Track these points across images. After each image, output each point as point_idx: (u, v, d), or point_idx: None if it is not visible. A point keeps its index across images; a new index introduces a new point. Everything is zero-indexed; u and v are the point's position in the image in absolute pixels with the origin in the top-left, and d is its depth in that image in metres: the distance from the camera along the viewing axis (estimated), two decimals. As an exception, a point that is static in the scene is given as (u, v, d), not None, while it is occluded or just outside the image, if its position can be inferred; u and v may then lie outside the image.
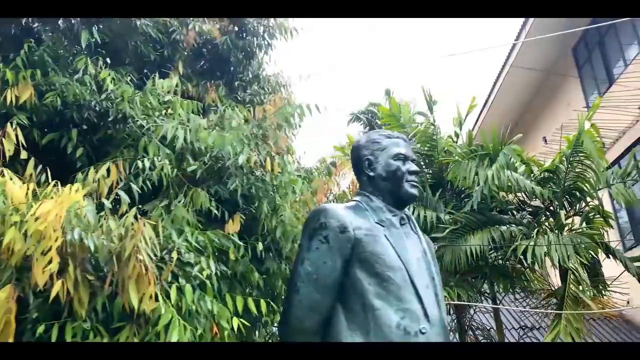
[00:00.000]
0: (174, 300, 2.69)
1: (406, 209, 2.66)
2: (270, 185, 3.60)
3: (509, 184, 7.42)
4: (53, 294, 2.28)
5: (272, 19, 4.82)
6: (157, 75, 3.89)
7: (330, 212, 2.36)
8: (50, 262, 2.22)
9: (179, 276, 2.79)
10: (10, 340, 2.12)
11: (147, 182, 3.07)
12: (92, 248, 2.38)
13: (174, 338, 2.57)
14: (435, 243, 8.54)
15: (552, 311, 9.34)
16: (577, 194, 7.65)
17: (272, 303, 3.40)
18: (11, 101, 2.89)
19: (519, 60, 10.95)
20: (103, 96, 3.23)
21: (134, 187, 2.78)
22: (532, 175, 8.36)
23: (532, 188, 7.63)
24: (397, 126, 9.24)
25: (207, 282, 2.85)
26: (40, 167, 2.78)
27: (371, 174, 2.66)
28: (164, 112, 3.40)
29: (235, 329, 3.05)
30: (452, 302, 8.49)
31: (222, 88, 4.45)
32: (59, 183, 2.48)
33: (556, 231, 7.57)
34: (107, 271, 2.47)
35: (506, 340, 8.92)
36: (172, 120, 3.30)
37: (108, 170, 2.91)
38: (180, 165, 3.29)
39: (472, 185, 8.38)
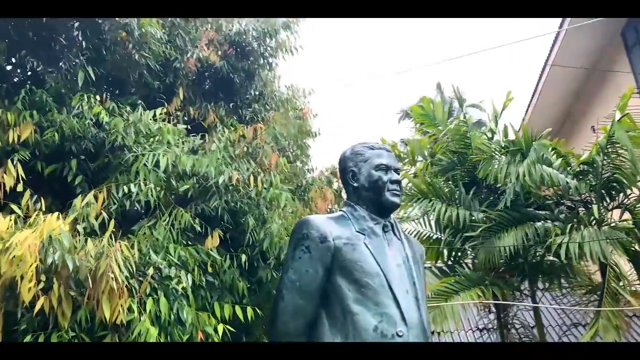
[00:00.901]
0: (151, 311, 3.02)
1: (391, 217, 2.87)
2: (257, 200, 3.88)
3: (543, 179, 7.35)
4: (36, 309, 2.66)
5: (273, 40, 5.08)
6: (156, 101, 4.28)
7: (312, 223, 2.62)
8: (31, 281, 2.60)
9: (158, 289, 3.12)
10: (-3, 349, 2.50)
11: (136, 204, 3.42)
12: (71, 268, 2.74)
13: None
14: (468, 242, 8.57)
15: (590, 308, 9.10)
16: (617, 186, 7.45)
17: (257, 310, 3.68)
18: (13, 139, 3.32)
19: (565, 48, 10.64)
20: (96, 130, 3.62)
21: (99, 216, 3.12)
22: (568, 168, 8.22)
23: (567, 182, 7.52)
24: (431, 125, 9.32)
25: (188, 293, 3.16)
26: (35, 197, 3.18)
27: (355, 184, 2.90)
28: (156, 138, 3.75)
29: (221, 335, 3.35)
30: (485, 301, 8.47)
31: (222, 108, 4.76)
32: (40, 213, 2.86)
33: (593, 226, 7.41)
34: (86, 288, 2.82)
35: (547, 338, 8.80)
36: (161, 146, 3.64)
37: (97, 196, 3.29)
38: (170, 186, 3.63)
39: (506, 182, 8.36)
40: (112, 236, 3.05)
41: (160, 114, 3.93)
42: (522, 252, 8.29)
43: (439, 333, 10.77)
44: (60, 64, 3.79)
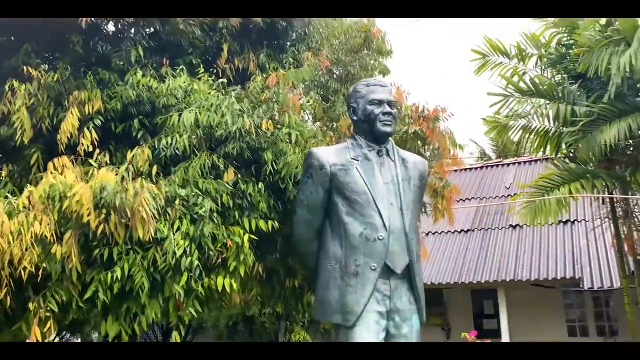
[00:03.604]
0: (180, 229, 4.25)
1: (389, 141, 3.82)
2: (275, 138, 4.83)
3: None
4: (99, 232, 4.03)
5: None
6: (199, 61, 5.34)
7: (314, 154, 3.71)
8: (91, 214, 3.96)
9: (186, 214, 4.34)
10: (75, 260, 3.93)
11: (175, 151, 4.60)
12: (118, 204, 4.04)
13: (179, 251, 4.14)
14: (569, 136, 8.73)
15: None
16: None
17: (277, 222, 4.76)
18: (89, 111, 4.68)
19: None
20: (149, 94, 4.81)
21: (145, 163, 4.33)
22: None
23: None
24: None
25: (204, 214, 4.32)
26: (101, 153, 4.52)
27: (355, 118, 3.89)
28: (192, 97, 4.84)
29: (247, 243, 4.51)
30: (580, 195, 8.58)
31: (263, 55, 5.63)
32: (95, 169, 4.18)
33: None
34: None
35: None
36: (195, 103, 4.75)
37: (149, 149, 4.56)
38: (200, 135, 4.72)
39: (609, 74, 8.25)
40: (153, 178, 4.32)
41: (198, 75, 4.99)
42: (625, 144, 8.23)
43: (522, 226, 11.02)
44: (121, 44, 5.01)
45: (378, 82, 3.98)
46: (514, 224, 12.22)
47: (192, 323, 11.85)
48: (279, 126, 4.78)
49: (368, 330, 3.17)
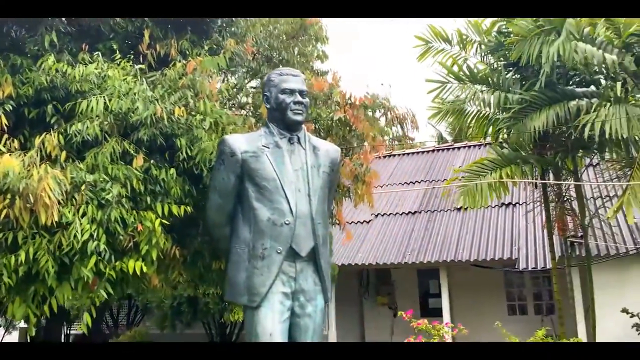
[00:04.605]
0: (87, 215, 4.33)
1: (302, 129, 3.94)
2: (188, 124, 4.91)
3: (577, 56, 7.53)
4: (2, 217, 4.09)
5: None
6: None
7: (226, 141, 3.82)
8: (-6, 200, 4.02)
9: (93, 199, 4.41)
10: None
11: (87, 137, 4.65)
12: (22, 189, 4.10)
13: (84, 236, 4.22)
14: (504, 122, 8.99)
15: (617, 183, 9.18)
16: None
17: (189, 208, 4.87)
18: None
19: None
20: (64, 79, 4.83)
21: (54, 149, 4.38)
22: (614, 42, 8.13)
23: (604, 57, 7.61)
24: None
25: (111, 200, 4.40)
26: (10, 139, 4.55)
27: (268, 106, 4.00)
28: (107, 83, 4.87)
29: (158, 227, 4.61)
30: (509, 179, 8.88)
31: (186, 41, 5.67)
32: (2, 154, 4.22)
33: (621, 103, 7.56)
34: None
35: (587, 210, 9.05)
36: (108, 90, 4.79)
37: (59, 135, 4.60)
38: (112, 121, 4.77)
39: (539, 62, 8.52)
40: (63, 163, 4.37)
41: (115, 60, 5.03)
42: (553, 131, 8.57)
43: (466, 208, 11.37)
44: (37, 29, 5.01)
45: (291, 71, 4.11)
46: (458, 207, 12.53)
47: (137, 304, 12.00)
48: (193, 113, 4.87)
49: (272, 310, 3.35)
